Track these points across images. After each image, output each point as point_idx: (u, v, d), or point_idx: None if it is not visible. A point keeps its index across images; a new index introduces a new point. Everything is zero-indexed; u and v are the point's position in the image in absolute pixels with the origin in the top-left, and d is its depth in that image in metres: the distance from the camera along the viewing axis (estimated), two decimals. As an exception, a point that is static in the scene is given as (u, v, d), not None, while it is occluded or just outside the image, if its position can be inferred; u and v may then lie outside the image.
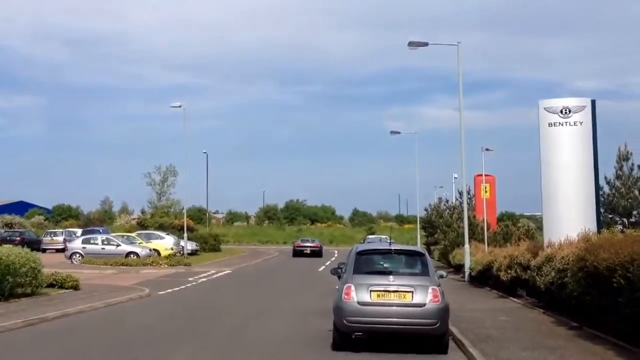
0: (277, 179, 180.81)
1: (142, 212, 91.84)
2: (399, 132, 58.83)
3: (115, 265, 39.50)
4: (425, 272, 14.16)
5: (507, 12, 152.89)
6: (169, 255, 46.62)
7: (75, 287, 25.05)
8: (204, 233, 70.26)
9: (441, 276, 14.78)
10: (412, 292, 13.60)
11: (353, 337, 13.84)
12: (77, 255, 43.77)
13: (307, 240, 67.46)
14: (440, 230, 51.51)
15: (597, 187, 22.11)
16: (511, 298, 23.23)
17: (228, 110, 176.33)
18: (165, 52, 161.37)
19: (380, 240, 51.83)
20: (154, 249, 47.56)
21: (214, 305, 22.69)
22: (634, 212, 29.13)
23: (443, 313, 13.65)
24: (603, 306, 14.31)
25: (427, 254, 15.25)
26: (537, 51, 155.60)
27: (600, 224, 21.47)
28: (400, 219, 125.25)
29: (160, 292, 26.38)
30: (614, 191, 29.52)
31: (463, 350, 14.11)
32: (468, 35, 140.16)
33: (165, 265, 40.78)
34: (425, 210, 66.94)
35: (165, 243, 51.89)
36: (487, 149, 42.18)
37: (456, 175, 54.50)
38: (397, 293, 13.62)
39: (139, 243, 48.24)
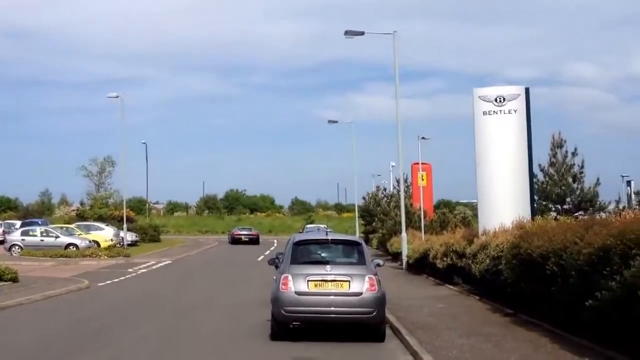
0: (217, 170, 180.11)
1: (82, 203, 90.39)
2: (337, 122, 59.32)
3: (54, 257, 39.04)
4: (361, 261, 14.27)
5: (445, 0, 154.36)
6: (108, 246, 46.05)
7: (14, 280, 24.68)
8: (144, 224, 69.70)
9: (378, 265, 14.95)
10: (349, 281, 13.71)
11: (291, 326, 13.92)
12: (16, 247, 43.44)
13: (245, 229, 71.46)
14: (378, 219, 51.82)
15: (532, 175, 22.29)
16: (447, 285, 23.41)
17: (168, 102, 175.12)
18: (106, 43, 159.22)
19: (319, 229, 51.93)
20: (94, 241, 46.96)
21: (152, 296, 22.59)
22: (568, 200, 29.42)
23: (380, 302, 13.78)
24: (537, 293, 14.45)
25: (363, 243, 15.36)
26: (473, 40, 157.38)
27: (534, 212, 21.56)
28: (340, 208, 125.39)
29: (100, 284, 26.21)
30: (547, 178, 29.77)
31: (400, 338, 14.20)
32: (407, 25, 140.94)
33: (104, 256, 40.26)
34: (364, 198, 67.30)
35: (105, 234, 51.35)
36: (423, 138, 42.75)
37: (394, 164, 54.81)
38: (334, 282, 13.72)
39: (79, 234, 47.68)
